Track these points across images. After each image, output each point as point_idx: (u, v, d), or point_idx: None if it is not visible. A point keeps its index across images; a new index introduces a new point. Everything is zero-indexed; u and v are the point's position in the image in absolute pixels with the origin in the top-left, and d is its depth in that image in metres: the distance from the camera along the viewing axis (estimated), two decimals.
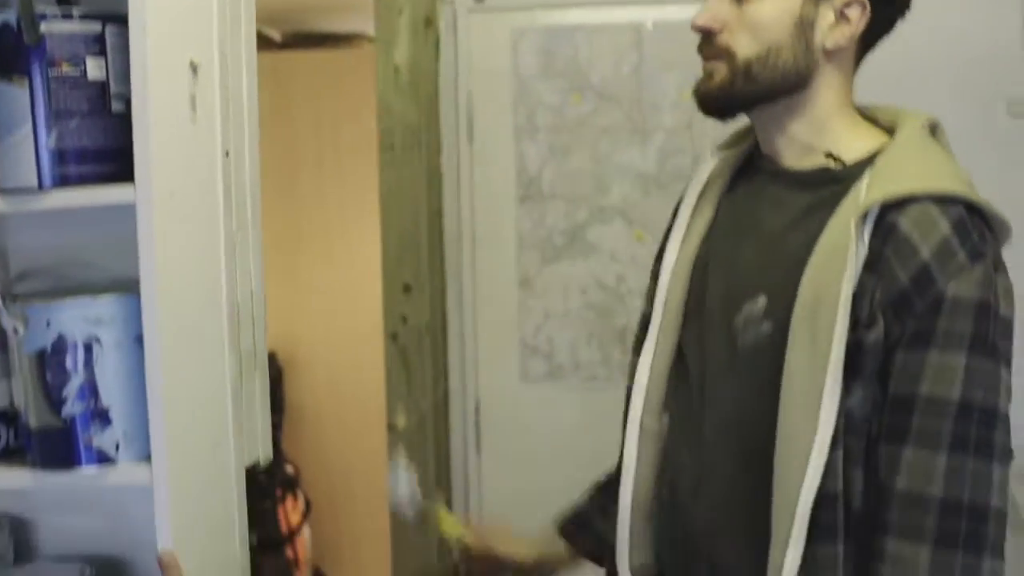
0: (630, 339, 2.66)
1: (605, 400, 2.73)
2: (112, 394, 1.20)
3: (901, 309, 1.23)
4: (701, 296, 1.50)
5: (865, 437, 1.29)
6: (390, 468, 1.70)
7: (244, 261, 1.44)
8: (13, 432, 1.27)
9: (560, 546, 1.69)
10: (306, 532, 4.05)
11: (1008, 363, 1.26)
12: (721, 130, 1.52)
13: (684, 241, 1.53)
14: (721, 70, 1.32)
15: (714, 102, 1.36)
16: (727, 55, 1.31)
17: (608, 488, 1.68)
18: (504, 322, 2.76)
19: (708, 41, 1.32)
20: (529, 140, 2.74)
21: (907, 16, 1.37)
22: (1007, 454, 1.27)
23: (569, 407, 2.76)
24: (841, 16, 1.31)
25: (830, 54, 1.32)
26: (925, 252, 1.22)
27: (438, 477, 2.65)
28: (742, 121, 1.44)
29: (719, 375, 1.44)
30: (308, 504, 4.11)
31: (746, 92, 1.33)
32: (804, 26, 1.31)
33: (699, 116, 1.59)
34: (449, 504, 2.71)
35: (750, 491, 1.34)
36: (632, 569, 1.54)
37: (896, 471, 1.25)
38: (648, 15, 2.71)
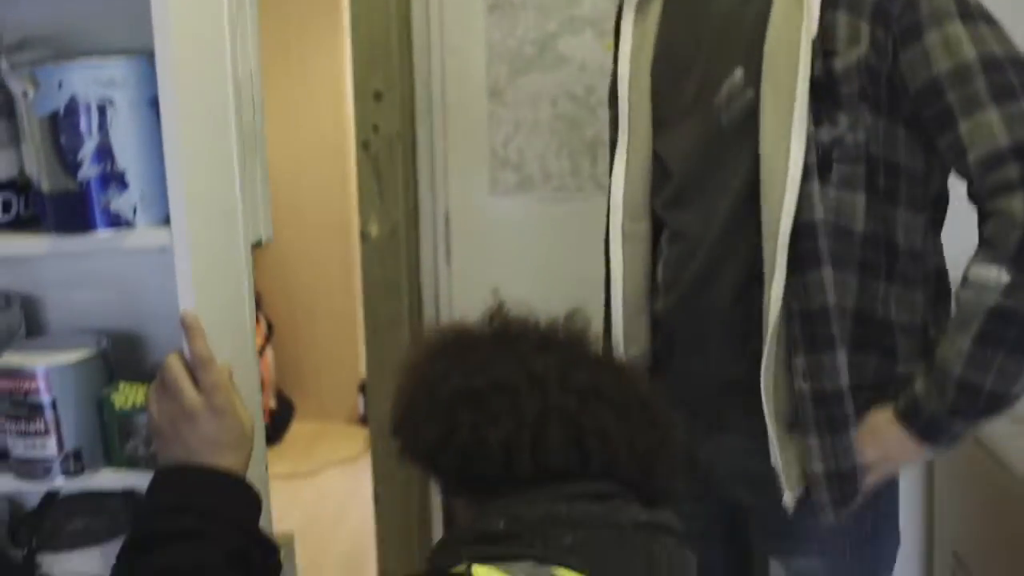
0: (599, 150, 2.71)
1: (574, 211, 2.79)
2: (128, 157, 1.19)
3: (879, 18, 1.36)
4: (670, 94, 1.56)
5: (864, 162, 1.40)
6: None
7: (244, 41, 1.42)
8: (24, 201, 1.26)
9: None
10: (268, 354, 4.11)
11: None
12: None
13: (634, 54, 1.58)
14: None
15: None
16: None
17: None
18: (474, 133, 2.75)
19: None
20: None
21: None
22: None
23: (538, 218, 2.79)
24: None
25: None
26: None
27: (409, 286, 2.69)
28: None
29: (711, 157, 1.51)
30: (270, 327, 4.15)
31: None
32: None
33: None
34: (420, 312, 2.76)
35: (751, 244, 1.45)
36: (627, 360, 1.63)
37: (964, 150, 1.35)
38: None
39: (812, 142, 1.39)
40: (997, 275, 1.33)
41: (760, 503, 1.56)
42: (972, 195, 1.40)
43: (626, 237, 1.62)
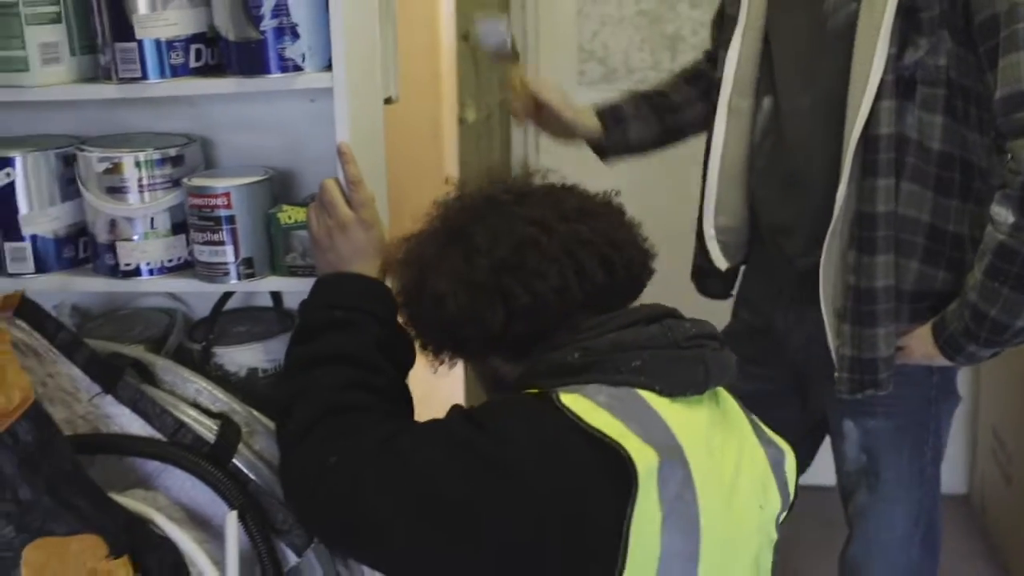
0: (679, 46, 2.96)
1: None
2: (300, 12, 1.49)
3: None
4: None
5: (945, 84, 1.57)
6: (478, 22, 1.94)
7: None
8: (211, 52, 1.57)
9: (594, 123, 2.01)
10: None
11: None
12: None
13: None
14: None
15: None
16: None
17: (650, 100, 2.00)
18: (563, 27, 3.02)
19: None
20: None
21: None
22: None
23: None
24: None
25: None
26: None
27: (501, 169, 2.98)
28: None
29: (813, 56, 1.72)
30: None
31: None
32: None
33: None
34: None
35: (839, 139, 1.65)
36: (716, 227, 1.88)
37: (997, 85, 1.50)
38: None
39: (893, 62, 1.57)
40: (1006, 215, 1.50)
41: (831, 370, 1.75)
42: (995, 130, 1.55)
43: (731, 111, 1.83)
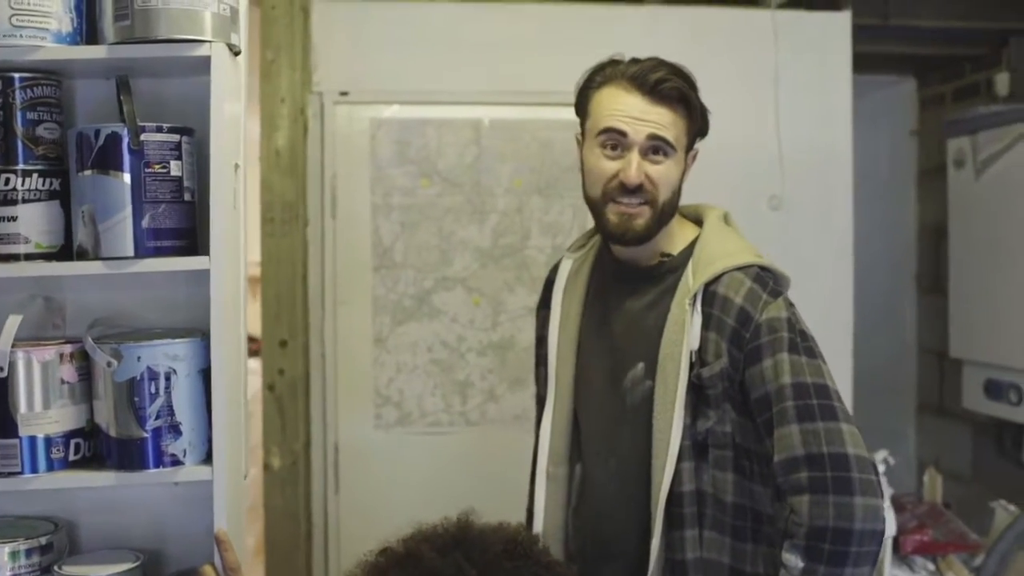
0: (469, 391, 3.27)
1: (447, 443, 3.31)
2: (183, 412, 1.66)
3: (735, 341, 1.83)
4: (589, 372, 2.06)
5: (732, 447, 1.87)
6: None
7: (243, 312, 1.92)
8: (89, 444, 1.69)
9: None
10: None
11: (822, 358, 1.82)
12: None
13: (562, 328, 2.09)
14: (645, 213, 1.86)
15: (636, 238, 1.89)
16: (651, 203, 1.86)
17: None
18: (360, 374, 3.26)
19: (635, 191, 1.85)
20: (384, 217, 3.28)
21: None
22: (849, 417, 1.77)
23: (416, 449, 3.29)
24: (692, 160, 1.95)
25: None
26: (739, 300, 1.85)
27: (305, 513, 3.11)
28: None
29: (615, 425, 2.00)
30: None
31: (658, 227, 1.90)
32: (684, 174, 1.93)
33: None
34: (310, 540, 3.17)
35: (643, 498, 1.92)
36: None
37: (774, 450, 1.79)
38: (486, 113, 3.32)
39: (688, 430, 1.85)
40: (795, 561, 1.73)
41: None
42: (777, 487, 1.81)
43: (549, 478, 2.07)
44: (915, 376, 4.39)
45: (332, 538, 3.22)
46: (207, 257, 1.65)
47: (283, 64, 3.05)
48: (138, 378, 1.64)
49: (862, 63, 3.46)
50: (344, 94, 3.23)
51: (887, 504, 2.86)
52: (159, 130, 1.66)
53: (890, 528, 2.85)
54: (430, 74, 3.25)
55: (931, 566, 2.90)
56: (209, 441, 1.68)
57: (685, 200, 1.98)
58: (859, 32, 3.43)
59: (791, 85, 3.33)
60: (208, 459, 1.67)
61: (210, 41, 1.65)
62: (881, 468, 2.95)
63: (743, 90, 3.30)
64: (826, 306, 3.32)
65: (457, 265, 3.31)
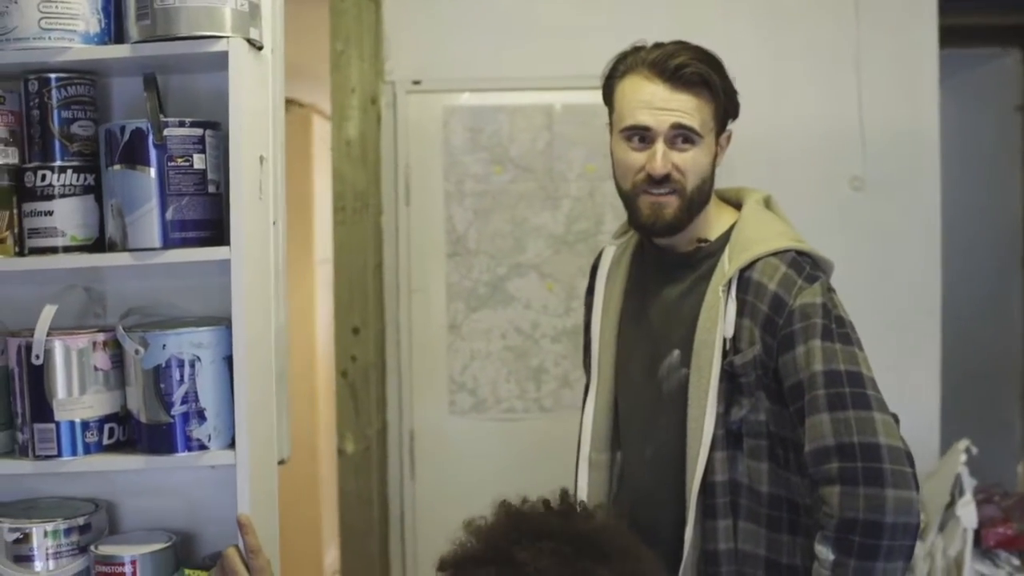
0: (543, 377, 3.29)
1: (521, 429, 3.33)
2: (207, 398, 1.72)
3: (768, 328, 1.82)
4: (628, 359, 2.06)
5: (767, 436, 1.85)
6: None
7: (279, 301, 1.97)
8: (123, 429, 1.77)
9: None
10: None
11: (859, 344, 1.79)
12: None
13: (603, 315, 2.09)
14: (674, 203, 1.86)
15: (665, 227, 1.89)
16: (679, 192, 1.86)
17: None
18: (435, 361, 3.31)
19: (662, 181, 1.84)
20: (457, 204, 3.32)
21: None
22: (884, 406, 1.74)
23: (491, 436, 3.32)
24: (726, 142, 1.93)
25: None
26: (772, 286, 1.83)
27: (380, 498, 3.17)
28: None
29: (652, 413, 2.00)
30: None
31: (689, 215, 1.89)
32: (715, 160, 1.91)
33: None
34: (387, 525, 3.24)
35: (679, 487, 1.91)
36: None
37: (806, 439, 1.76)
38: (558, 99, 3.33)
39: (722, 419, 1.83)
40: (827, 553, 1.72)
41: None
42: (809, 477, 1.79)
43: (592, 465, 2.08)
44: (1021, 363, 4.22)
45: (408, 523, 3.29)
46: (228, 247, 1.71)
47: (352, 55, 3.11)
48: (164, 365, 1.71)
49: (959, 36, 3.33)
50: (416, 83, 3.28)
51: (968, 497, 2.78)
52: (181, 124, 1.72)
53: (971, 521, 2.77)
54: (501, 61, 3.28)
55: (1016, 561, 2.79)
56: (235, 427, 1.73)
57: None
58: (951, 3, 3.30)
59: (873, 61, 3.23)
60: (234, 444, 1.73)
61: (228, 36, 1.70)
62: (963, 458, 2.86)
63: (823, 67, 3.23)
64: (912, 291, 3.22)
65: (530, 251, 3.33)
